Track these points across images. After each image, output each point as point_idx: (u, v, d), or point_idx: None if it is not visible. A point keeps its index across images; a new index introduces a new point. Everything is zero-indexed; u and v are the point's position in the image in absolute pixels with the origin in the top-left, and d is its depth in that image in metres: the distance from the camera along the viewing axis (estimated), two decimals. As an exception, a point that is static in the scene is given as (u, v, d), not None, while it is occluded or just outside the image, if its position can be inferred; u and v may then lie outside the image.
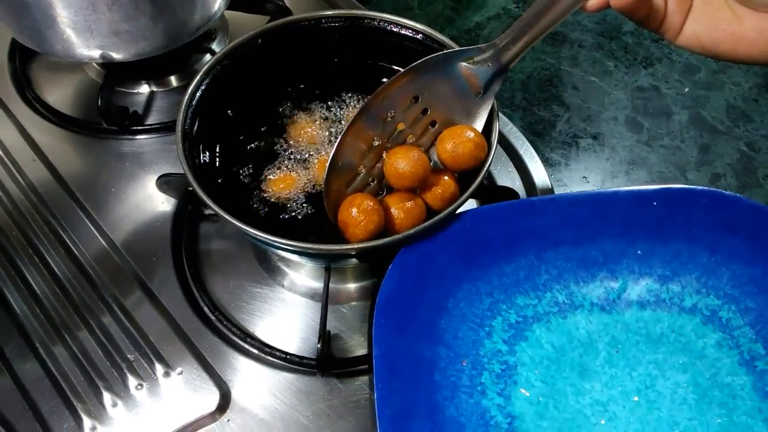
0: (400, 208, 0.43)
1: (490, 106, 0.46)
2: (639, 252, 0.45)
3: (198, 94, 0.47)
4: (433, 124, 0.47)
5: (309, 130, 0.51)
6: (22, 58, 0.66)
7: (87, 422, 0.45)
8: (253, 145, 0.51)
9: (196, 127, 0.48)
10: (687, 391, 0.42)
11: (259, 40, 0.51)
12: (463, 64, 0.46)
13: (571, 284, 0.46)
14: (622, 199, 0.45)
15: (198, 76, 0.47)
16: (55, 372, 0.47)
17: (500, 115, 0.51)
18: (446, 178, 0.44)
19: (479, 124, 0.47)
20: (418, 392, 0.40)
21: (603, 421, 0.41)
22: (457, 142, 0.45)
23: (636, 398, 0.41)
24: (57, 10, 0.52)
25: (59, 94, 0.65)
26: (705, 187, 0.45)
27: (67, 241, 0.53)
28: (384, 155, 0.46)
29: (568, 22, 0.80)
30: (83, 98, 0.65)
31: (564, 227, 0.45)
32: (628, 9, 0.37)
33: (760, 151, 0.68)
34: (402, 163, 0.44)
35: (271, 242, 0.41)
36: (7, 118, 0.61)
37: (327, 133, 0.51)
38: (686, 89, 0.72)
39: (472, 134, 0.45)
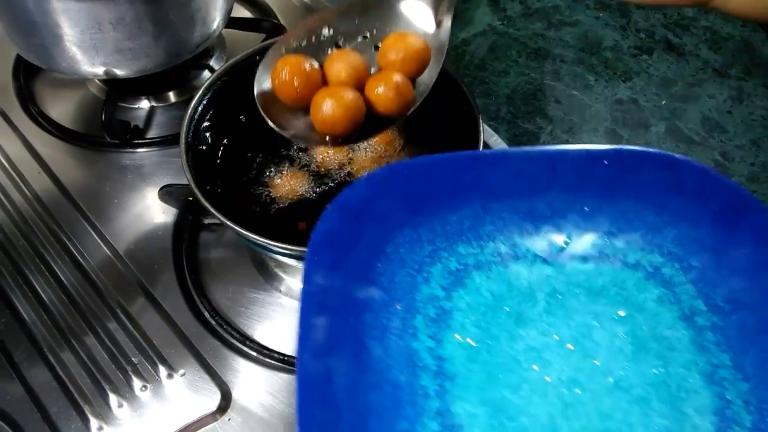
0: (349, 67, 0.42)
1: (447, 39, 0.45)
2: (586, 208, 0.44)
3: (200, 108, 0.50)
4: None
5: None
6: (26, 75, 0.69)
7: (94, 423, 0.47)
8: (251, 155, 0.54)
9: (198, 139, 0.50)
10: (624, 342, 0.41)
11: (257, 57, 0.53)
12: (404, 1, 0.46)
13: (515, 236, 0.44)
14: (574, 157, 0.44)
15: (200, 91, 0.50)
16: (63, 375, 0.49)
17: (485, 127, 0.54)
18: (396, 77, 0.43)
19: (440, 58, 0.46)
20: (344, 331, 0.38)
21: (535, 367, 0.40)
22: (400, 46, 0.44)
23: (571, 347, 0.41)
24: (64, 29, 0.54)
25: (62, 109, 0.67)
26: (656, 150, 0.44)
27: (73, 249, 0.55)
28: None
29: (551, 39, 0.83)
30: (85, 113, 0.67)
31: (513, 180, 0.44)
32: None
33: (733, 161, 0.71)
34: (340, 66, 0.43)
35: (269, 246, 0.43)
36: (12, 133, 0.64)
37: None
38: (663, 101, 0.76)
39: (413, 39, 0.44)
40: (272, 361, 0.50)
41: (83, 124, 0.66)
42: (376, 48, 0.45)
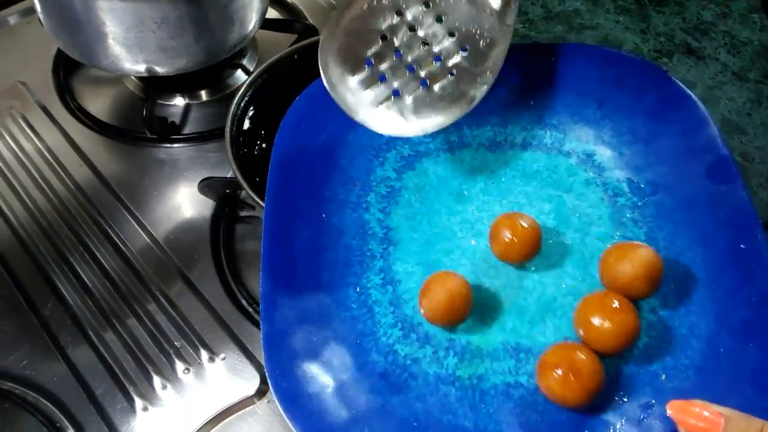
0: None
1: (514, 18, 0.43)
2: (531, 102, 0.48)
3: (242, 104, 0.52)
4: (451, 34, 0.43)
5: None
6: (66, 71, 0.71)
7: (139, 403, 0.48)
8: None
9: (240, 132, 0.52)
10: (548, 218, 0.45)
11: (296, 56, 0.55)
12: None
13: (464, 127, 0.49)
14: (522, 53, 0.47)
15: (243, 88, 0.52)
16: (108, 358, 0.51)
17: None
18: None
19: (505, 40, 0.43)
20: (306, 202, 0.45)
21: (470, 237, 0.45)
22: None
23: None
24: (109, 27, 0.56)
25: (100, 104, 0.70)
26: (599, 46, 0.49)
27: (115, 238, 0.57)
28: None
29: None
30: (122, 109, 0.70)
31: None
32: None
33: (753, 162, 0.72)
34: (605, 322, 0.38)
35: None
36: (54, 127, 0.66)
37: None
38: (683, 104, 0.77)
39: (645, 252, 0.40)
40: (308, 348, 0.52)
41: (120, 119, 0.68)
42: (438, 20, 0.43)
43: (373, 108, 0.44)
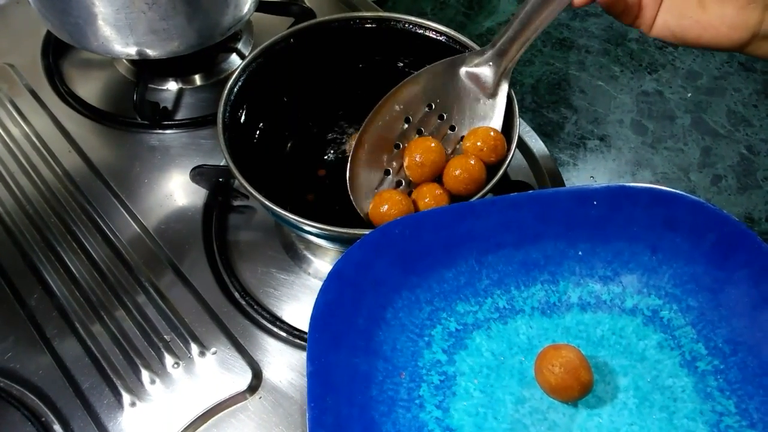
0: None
1: (503, 107, 0.49)
2: (580, 253, 0.44)
3: (236, 90, 0.50)
4: (452, 128, 0.50)
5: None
6: (55, 54, 0.69)
7: (126, 398, 0.47)
8: (285, 137, 0.54)
9: (234, 119, 0.50)
10: (627, 396, 0.40)
11: (292, 40, 0.53)
12: (466, 69, 0.49)
13: (512, 288, 0.44)
14: (563, 200, 0.44)
15: (237, 72, 0.50)
16: (95, 351, 0.49)
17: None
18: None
19: (496, 125, 0.49)
20: (352, 409, 0.38)
21: (543, 430, 0.40)
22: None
23: (576, 405, 0.41)
24: (99, 8, 0.54)
25: (90, 88, 0.68)
26: (645, 185, 0.43)
27: (104, 227, 0.56)
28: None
29: (576, 29, 0.83)
30: (113, 93, 0.68)
31: (505, 230, 0.44)
32: (607, 4, 0.42)
33: (759, 154, 0.71)
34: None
35: (301, 225, 0.44)
36: (42, 111, 0.64)
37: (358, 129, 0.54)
38: (689, 94, 0.76)
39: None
40: (302, 342, 0.50)
41: (111, 104, 0.66)
42: (440, 117, 0.50)
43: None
